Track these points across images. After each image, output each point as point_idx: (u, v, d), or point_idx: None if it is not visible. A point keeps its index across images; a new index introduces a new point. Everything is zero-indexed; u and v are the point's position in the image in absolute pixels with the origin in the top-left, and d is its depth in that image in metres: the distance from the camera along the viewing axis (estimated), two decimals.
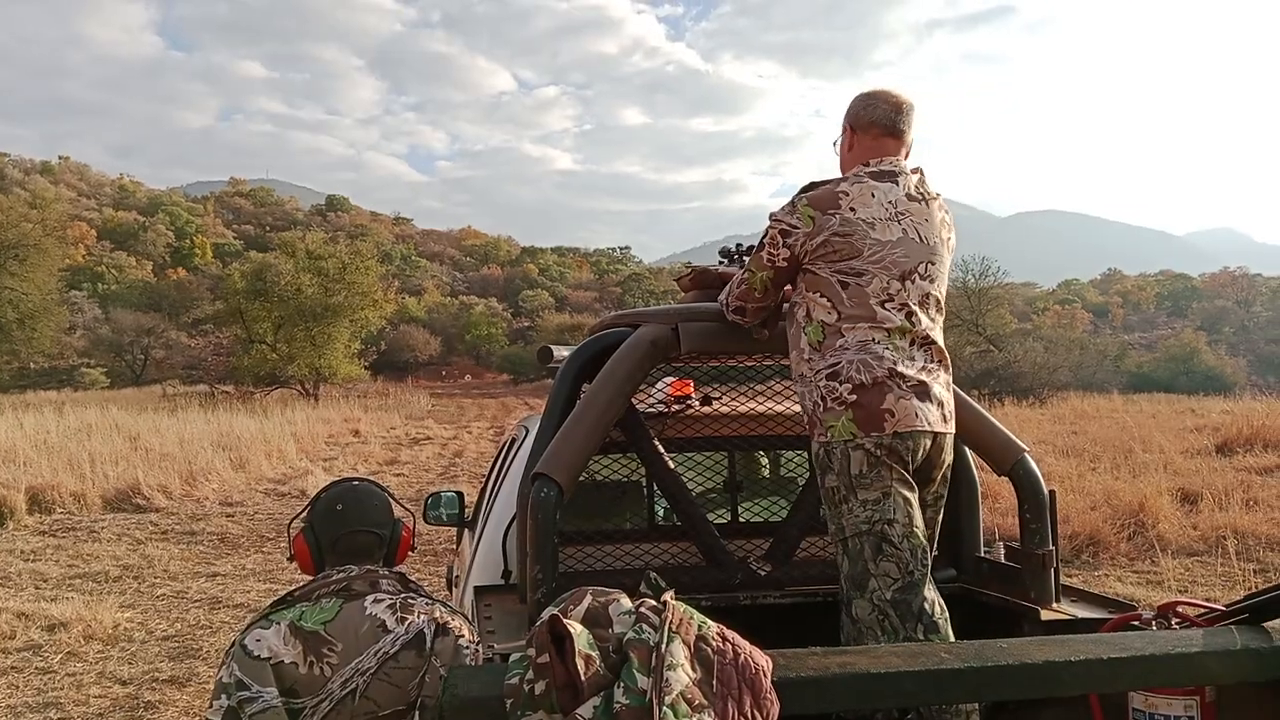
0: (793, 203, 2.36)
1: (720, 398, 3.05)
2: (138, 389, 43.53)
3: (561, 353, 3.25)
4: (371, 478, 2.19)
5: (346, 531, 2.01)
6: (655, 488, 2.88)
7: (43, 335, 33.08)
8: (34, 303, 31.10)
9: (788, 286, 2.45)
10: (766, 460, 3.35)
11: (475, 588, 2.69)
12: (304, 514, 2.09)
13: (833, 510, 2.25)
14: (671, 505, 2.73)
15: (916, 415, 2.22)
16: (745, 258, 2.90)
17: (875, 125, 2.39)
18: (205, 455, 14.50)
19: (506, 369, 62.19)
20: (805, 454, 2.99)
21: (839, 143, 2.52)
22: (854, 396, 2.22)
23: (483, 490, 4.51)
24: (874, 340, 2.27)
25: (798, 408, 2.94)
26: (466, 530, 4.44)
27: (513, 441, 3.74)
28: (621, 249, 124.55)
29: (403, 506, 2.15)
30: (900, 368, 2.24)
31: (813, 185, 2.37)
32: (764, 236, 2.43)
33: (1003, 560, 2.65)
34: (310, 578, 1.98)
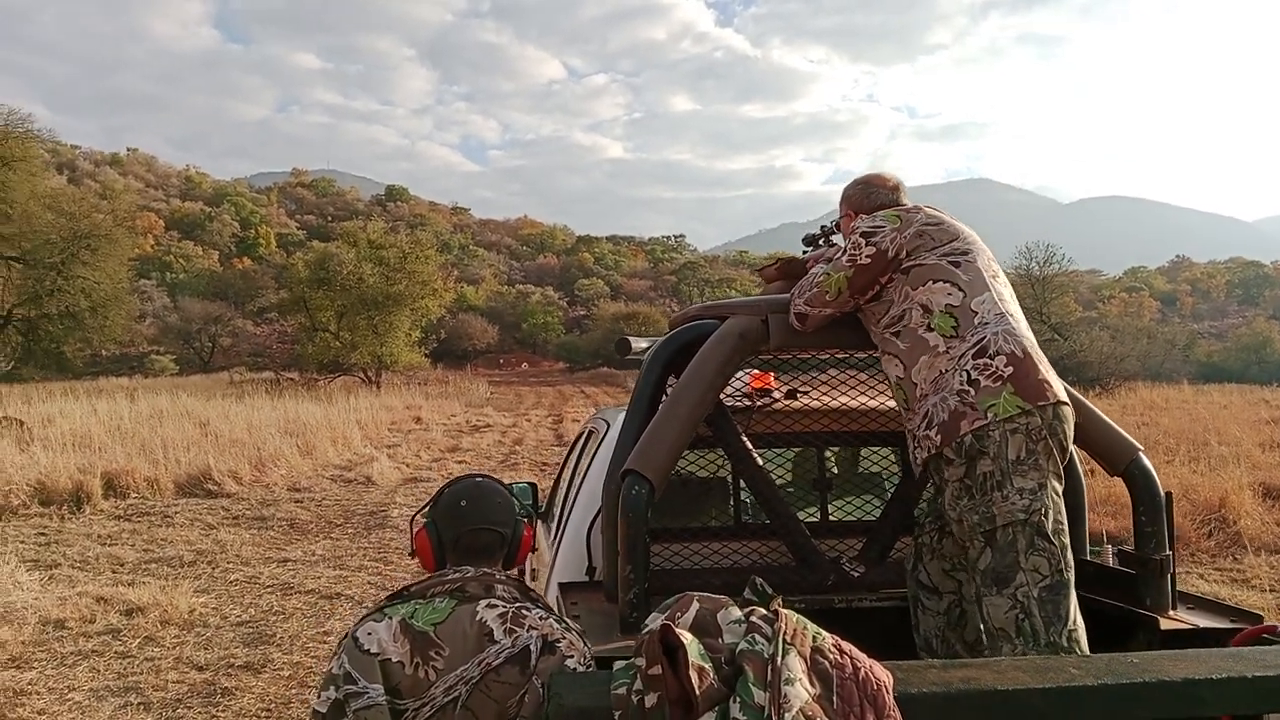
0: (873, 217, 2.38)
1: (807, 391, 2.95)
2: (205, 376, 44.59)
3: (640, 344, 3.18)
4: (492, 475, 2.13)
5: (469, 529, 1.95)
6: (742, 484, 2.79)
7: (114, 323, 33.86)
8: (105, 291, 31.85)
9: (862, 296, 2.35)
10: (856, 456, 3.24)
11: (560, 585, 2.64)
12: (426, 509, 2.04)
13: (980, 498, 2.09)
14: (760, 503, 2.64)
15: (1063, 390, 2.17)
16: (832, 240, 2.81)
17: (879, 208, 2.45)
18: (273, 442, 14.75)
19: (562, 357, 62.52)
20: (897, 450, 2.89)
21: (838, 225, 2.68)
22: (1010, 369, 2.12)
23: (556, 482, 4.48)
24: (1006, 314, 2.21)
25: (890, 402, 2.85)
26: (540, 522, 4.42)
27: (589, 434, 3.69)
28: (675, 237, 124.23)
29: (521, 504, 2.09)
30: (1026, 343, 2.19)
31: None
32: (844, 246, 2.41)
33: (1113, 564, 2.53)
34: (428, 573, 1.93)
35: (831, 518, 2.84)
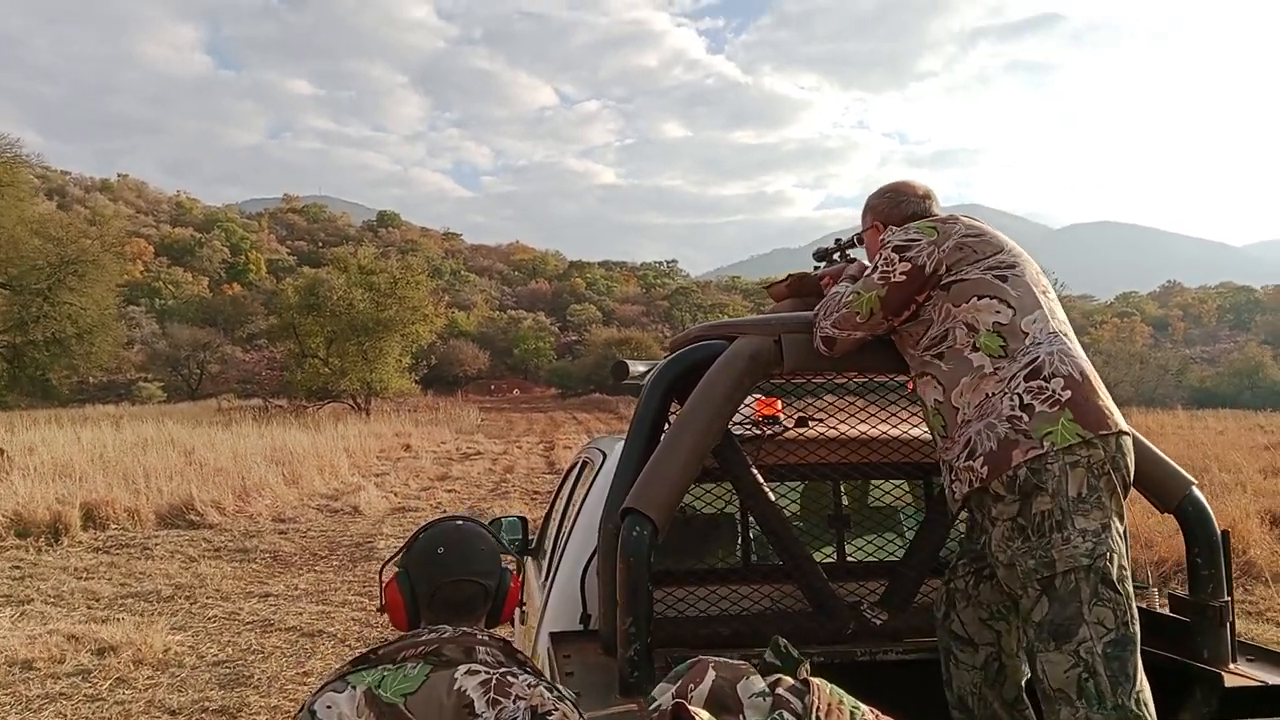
0: (905, 229, 2.15)
1: (820, 419, 2.72)
2: (193, 403, 44.19)
3: (638, 368, 2.95)
4: (475, 516, 1.86)
5: (448, 580, 1.69)
6: (751, 521, 2.55)
7: (101, 350, 33.48)
8: (92, 317, 31.52)
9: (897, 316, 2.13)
10: (875, 490, 2.99)
11: (551, 634, 2.39)
12: (398, 556, 1.78)
13: (1036, 541, 1.85)
14: (772, 542, 2.40)
15: (1122, 418, 1.94)
16: (848, 254, 2.59)
17: (910, 219, 2.23)
18: (258, 470, 14.45)
19: (554, 383, 62.24)
20: (921, 483, 2.66)
21: (862, 238, 2.42)
22: (1068, 392, 1.89)
23: (547, 515, 4.23)
24: (1060, 333, 1.99)
25: (915, 430, 2.61)
26: (530, 559, 4.16)
27: (583, 464, 3.44)
28: (668, 263, 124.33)
29: (507, 550, 1.84)
30: (1084, 365, 1.97)
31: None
32: (875, 263, 2.18)
33: (1163, 610, 2.29)
34: (400, 633, 1.68)
35: (849, 558, 2.59)
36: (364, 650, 1.65)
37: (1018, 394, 1.92)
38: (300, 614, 7.49)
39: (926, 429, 2.20)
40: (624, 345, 58.97)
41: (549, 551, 3.39)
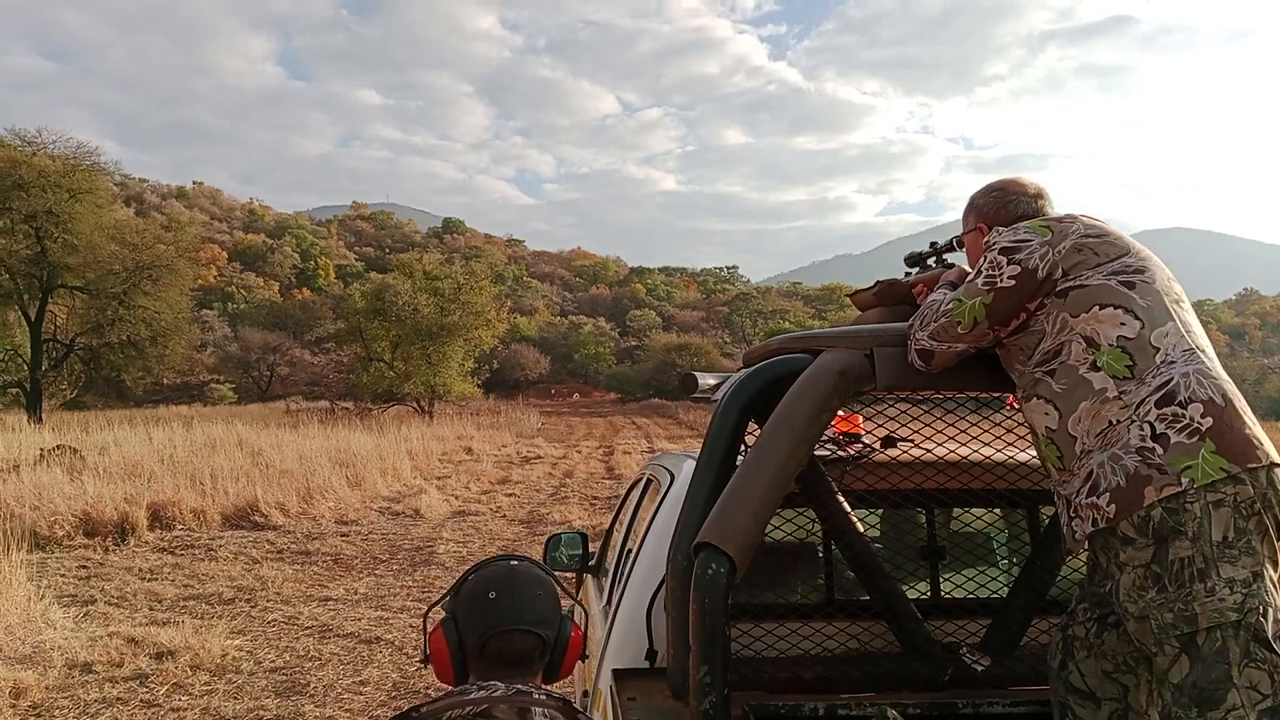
0: (1014, 229, 1.90)
1: (909, 440, 2.47)
2: (263, 404, 45.07)
3: (708, 380, 2.74)
4: (532, 557, 1.63)
5: (500, 631, 1.49)
6: (835, 552, 2.32)
7: (174, 352, 34.44)
8: (166, 321, 32.40)
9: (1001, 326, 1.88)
10: (972, 518, 2.72)
11: (614, 671, 2.19)
12: (445, 600, 1.58)
13: (1174, 591, 1.61)
14: (860, 576, 2.17)
15: (1274, 449, 1.67)
16: (944, 259, 2.35)
17: (1020, 220, 2.00)
18: (323, 472, 14.52)
19: (614, 388, 62.28)
20: (1026, 511, 2.40)
21: (962, 241, 2.18)
22: (1208, 420, 1.63)
23: (608, 532, 4.04)
24: (1196, 350, 1.73)
25: (1022, 454, 2.37)
26: (590, 576, 3.98)
27: (646, 482, 3.23)
28: (729, 269, 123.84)
29: (568, 594, 1.62)
30: (1226, 387, 1.70)
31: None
32: (979, 266, 1.93)
33: None
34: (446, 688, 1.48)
35: (943, 593, 2.34)
36: (406, 708, 1.45)
37: (1148, 422, 1.66)
38: (359, 619, 7.42)
39: (1034, 452, 1.96)
40: (683, 351, 58.76)
41: (611, 572, 3.19)
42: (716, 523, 1.81)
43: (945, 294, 1.97)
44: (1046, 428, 1.81)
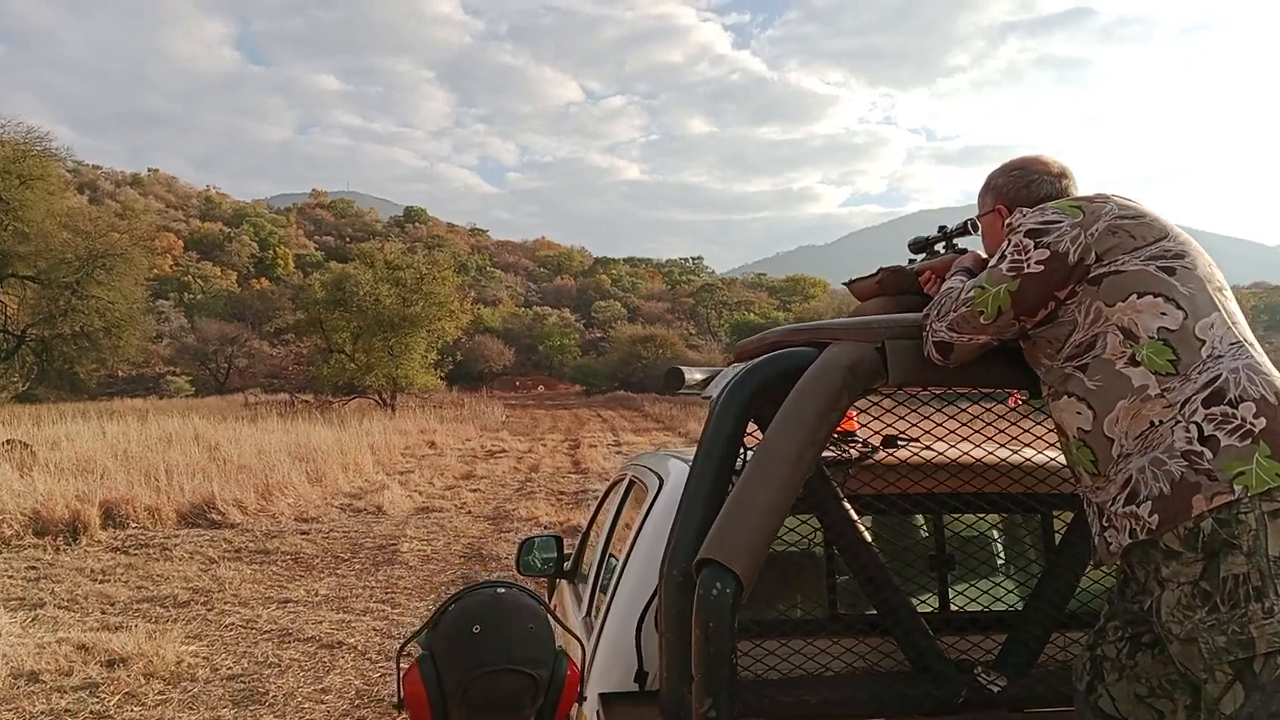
0: (1040, 209, 1.74)
1: (912, 440, 2.31)
2: (221, 397, 44.31)
3: (695, 376, 2.55)
4: (521, 584, 1.43)
5: (485, 671, 1.30)
6: (838, 562, 2.15)
7: (129, 344, 33.62)
8: (120, 311, 31.59)
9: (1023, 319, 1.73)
10: (984, 525, 2.55)
11: (601, 696, 2.01)
12: (421, 634, 1.38)
13: (1227, 612, 1.45)
14: (866, 589, 2.00)
15: None
16: (953, 244, 2.18)
17: (1044, 202, 1.83)
18: (282, 468, 14.17)
19: (579, 380, 62.07)
20: (1043, 517, 2.24)
21: (977, 225, 2.01)
22: (1262, 420, 1.48)
23: (584, 536, 3.85)
24: (1244, 342, 1.59)
25: (1042, 455, 2.21)
26: (565, 582, 3.79)
27: (629, 484, 3.05)
28: (694, 259, 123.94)
29: (563, 626, 1.43)
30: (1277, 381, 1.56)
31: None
32: (1002, 250, 1.76)
33: None
34: None
35: (953, 607, 2.18)
36: None
37: (1195, 423, 1.51)
38: (320, 623, 7.17)
39: (1056, 451, 1.81)
40: (649, 342, 58.63)
41: (590, 579, 3.01)
42: (720, 536, 1.64)
43: (963, 281, 1.81)
44: (1079, 429, 1.65)
